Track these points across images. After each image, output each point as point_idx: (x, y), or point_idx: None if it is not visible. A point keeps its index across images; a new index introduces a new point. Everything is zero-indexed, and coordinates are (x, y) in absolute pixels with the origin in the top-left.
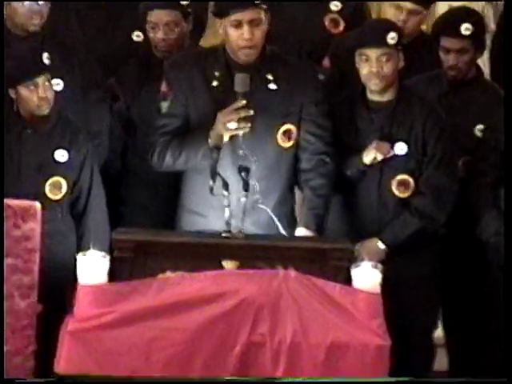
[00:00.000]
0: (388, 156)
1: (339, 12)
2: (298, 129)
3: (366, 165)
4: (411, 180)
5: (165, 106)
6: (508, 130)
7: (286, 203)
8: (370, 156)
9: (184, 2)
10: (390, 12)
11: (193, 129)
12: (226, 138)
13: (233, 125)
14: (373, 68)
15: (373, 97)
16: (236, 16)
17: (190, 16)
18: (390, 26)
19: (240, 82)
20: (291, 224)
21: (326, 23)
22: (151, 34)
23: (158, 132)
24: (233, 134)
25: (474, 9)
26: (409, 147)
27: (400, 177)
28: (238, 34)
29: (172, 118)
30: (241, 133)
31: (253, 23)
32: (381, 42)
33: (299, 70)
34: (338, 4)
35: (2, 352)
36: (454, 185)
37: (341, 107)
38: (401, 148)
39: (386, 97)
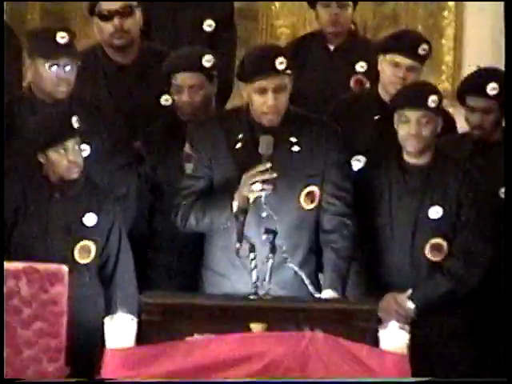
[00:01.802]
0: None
1: (364, 73)
2: (321, 190)
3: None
4: (445, 243)
5: (188, 167)
6: (508, 129)
7: (309, 264)
8: None
9: (208, 65)
10: (388, 70)
11: (216, 190)
12: (251, 200)
13: (257, 186)
14: (412, 130)
15: (409, 159)
16: (260, 83)
17: (214, 78)
18: (432, 88)
19: (264, 144)
20: (314, 285)
21: (352, 84)
22: (176, 97)
23: (181, 193)
24: (256, 195)
25: (500, 69)
26: (443, 211)
27: (434, 240)
28: (262, 101)
29: (196, 179)
30: (263, 195)
31: (277, 90)
32: (422, 104)
33: (322, 131)
34: (364, 65)
35: (2, 352)
36: (487, 249)
37: (374, 167)
38: (436, 211)
39: (422, 160)
